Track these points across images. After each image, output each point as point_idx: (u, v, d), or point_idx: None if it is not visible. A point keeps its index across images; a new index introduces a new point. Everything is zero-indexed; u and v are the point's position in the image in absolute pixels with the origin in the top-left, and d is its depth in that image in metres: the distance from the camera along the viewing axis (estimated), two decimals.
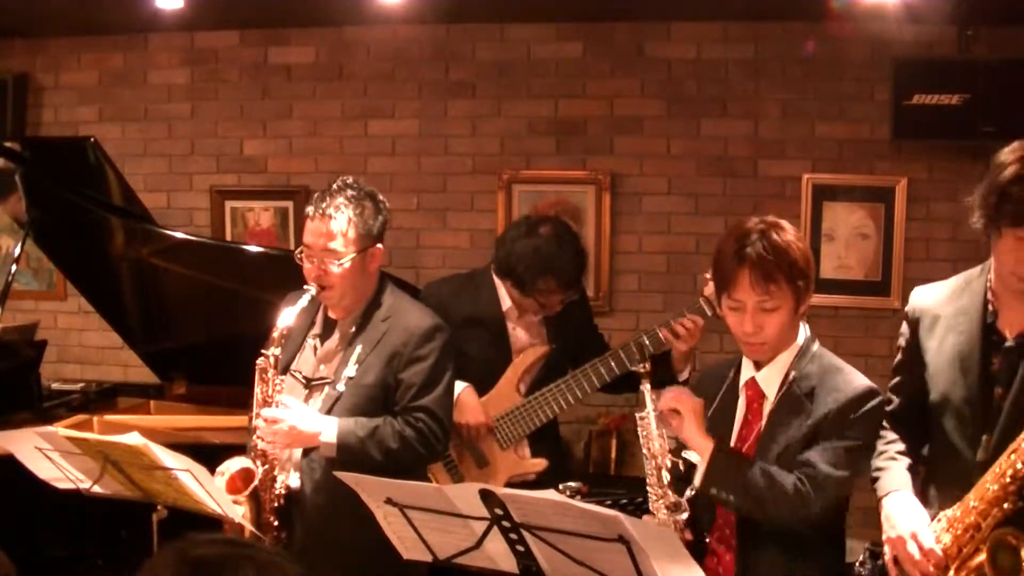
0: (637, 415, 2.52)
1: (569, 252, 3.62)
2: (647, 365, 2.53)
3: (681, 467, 2.53)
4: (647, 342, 3.50)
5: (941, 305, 2.52)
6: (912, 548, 2.37)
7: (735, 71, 4.92)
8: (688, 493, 2.49)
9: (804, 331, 2.57)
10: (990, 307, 2.42)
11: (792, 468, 2.43)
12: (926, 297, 2.58)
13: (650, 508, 2.49)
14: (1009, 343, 2.38)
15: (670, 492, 2.46)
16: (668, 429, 2.51)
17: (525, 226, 3.68)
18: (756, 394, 2.57)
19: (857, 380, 2.50)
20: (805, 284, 2.49)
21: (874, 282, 4.86)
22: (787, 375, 2.52)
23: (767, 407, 2.54)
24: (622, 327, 4.90)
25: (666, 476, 2.47)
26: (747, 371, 2.59)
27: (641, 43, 4.98)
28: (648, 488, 2.50)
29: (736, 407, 2.60)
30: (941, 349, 2.48)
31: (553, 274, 3.58)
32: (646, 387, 2.50)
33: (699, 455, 2.48)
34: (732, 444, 2.56)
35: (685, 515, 2.45)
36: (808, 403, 2.47)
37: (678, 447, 2.56)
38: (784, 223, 2.52)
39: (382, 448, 2.95)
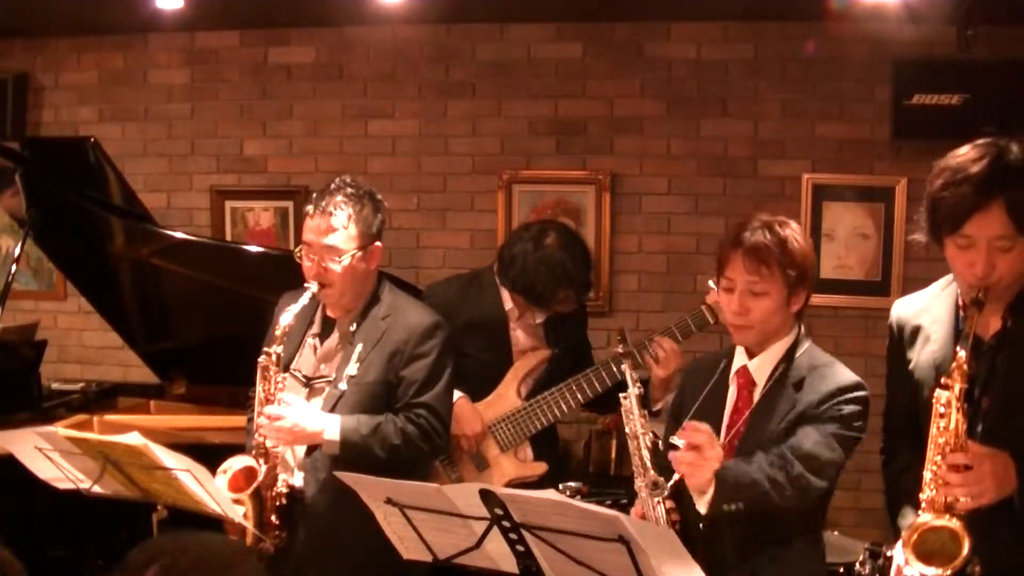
0: (620, 396, 2.54)
1: (580, 258, 3.62)
2: (625, 346, 2.53)
3: (660, 446, 2.56)
4: (636, 354, 3.48)
5: (919, 315, 2.54)
6: None
7: (735, 71, 4.91)
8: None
9: (798, 328, 2.62)
10: (962, 313, 2.42)
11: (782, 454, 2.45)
12: (906, 308, 2.60)
13: (635, 488, 2.52)
14: (988, 343, 2.36)
15: (651, 470, 2.48)
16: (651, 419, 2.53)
17: (531, 240, 3.61)
18: (747, 382, 2.61)
19: (845, 373, 2.55)
20: (798, 276, 2.52)
21: (874, 282, 4.85)
22: (777, 366, 2.57)
23: (757, 395, 2.58)
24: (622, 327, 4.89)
25: (647, 455, 2.49)
26: (739, 360, 2.64)
27: (641, 43, 4.98)
28: (634, 468, 2.53)
29: (726, 395, 2.64)
30: (921, 359, 2.49)
31: (571, 284, 3.59)
32: (626, 367, 2.52)
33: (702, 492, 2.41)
34: (723, 429, 2.58)
35: (665, 493, 2.46)
36: (795, 393, 2.52)
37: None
38: (792, 223, 2.58)
39: (385, 445, 2.96)
